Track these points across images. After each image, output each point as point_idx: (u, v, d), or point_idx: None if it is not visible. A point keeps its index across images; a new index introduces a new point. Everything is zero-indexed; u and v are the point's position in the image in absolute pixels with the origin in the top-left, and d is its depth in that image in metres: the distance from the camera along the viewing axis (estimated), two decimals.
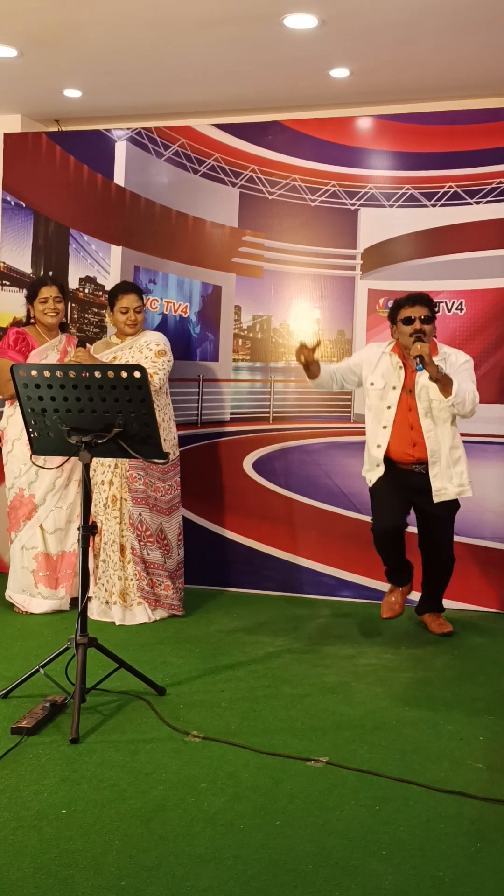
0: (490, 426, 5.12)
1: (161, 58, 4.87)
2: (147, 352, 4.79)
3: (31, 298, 5.00)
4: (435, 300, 5.16)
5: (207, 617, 4.87)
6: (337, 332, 5.38)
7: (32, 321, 5.03)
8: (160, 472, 4.78)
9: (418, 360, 4.05)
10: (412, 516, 4.52)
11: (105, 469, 4.76)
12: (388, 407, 4.39)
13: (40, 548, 4.91)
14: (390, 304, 5.09)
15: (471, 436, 5.14)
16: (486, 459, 5.14)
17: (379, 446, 4.40)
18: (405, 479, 4.40)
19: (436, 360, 4.22)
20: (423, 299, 4.36)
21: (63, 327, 5.09)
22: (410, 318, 4.30)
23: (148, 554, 4.76)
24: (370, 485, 4.48)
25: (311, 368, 4.32)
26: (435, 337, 4.44)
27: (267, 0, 4.13)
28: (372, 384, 4.45)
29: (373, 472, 4.45)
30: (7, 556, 5.08)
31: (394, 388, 4.40)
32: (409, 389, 4.38)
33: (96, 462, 4.76)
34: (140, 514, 4.75)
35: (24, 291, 5.14)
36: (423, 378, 4.26)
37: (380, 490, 4.44)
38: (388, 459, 4.40)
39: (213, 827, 2.55)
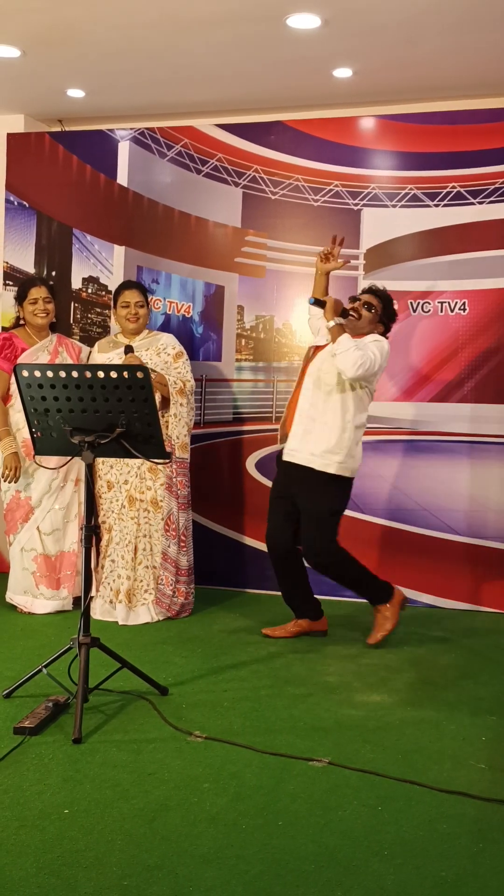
0: (491, 426, 5.12)
1: (164, 57, 4.87)
2: (165, 356, 4.82)
3: (20, 299, 4.99)
4: (437, 300, 5.19)
5: (210, 617, 4.87)
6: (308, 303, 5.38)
7: (22, 322, 5.03)
8: (182, 468, 4.80)
9: (316, 300, 4.28)
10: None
11: (122, 467, 4.76)
12: (304, 374, 4.41)
13: (39, 549, 4.92)
14: (393, 304, 5.11)
15: (471, 436, 5.15)
16: (487, 459, 5.14)
17: (283, 422, 4.47)
18: (285, 475, 4.38)
19: (354, 341, 4.21)
20: (381, 293, 4.45)
21: (53, 327, 5.08)
22: (357, 298, 4.45)
23: (184, 561, 4.82)
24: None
25: (325, 285, 4.49)
26: (377, 333, 4.38)
27: (270, 0, 4.13)
28: (315, 339, 4.54)
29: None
30: (8, 555, 5.08)
31: (308, 356, 4.45)
32: (311, 358, 4.41)
33: (117, 462, 4.75)
34: (186, 521, 4.80)
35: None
36: (319, 358, 4.31)
37: (270, 498, 4.52)
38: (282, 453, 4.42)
39: (215, 827, 2.55)
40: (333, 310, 4.25)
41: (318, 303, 4.30)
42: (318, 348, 4.41)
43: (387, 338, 4.42)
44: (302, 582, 4.50)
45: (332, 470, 4.24)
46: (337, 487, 4.31)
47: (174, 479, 4.77)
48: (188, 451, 4.85)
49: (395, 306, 4.53)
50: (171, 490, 4.77)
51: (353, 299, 4.44)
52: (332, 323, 4.21)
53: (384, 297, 4.43)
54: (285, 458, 4.34)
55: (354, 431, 4.28)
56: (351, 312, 4.32)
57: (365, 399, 4.34)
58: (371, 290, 4.46)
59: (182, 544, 4.80)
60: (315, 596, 4.55)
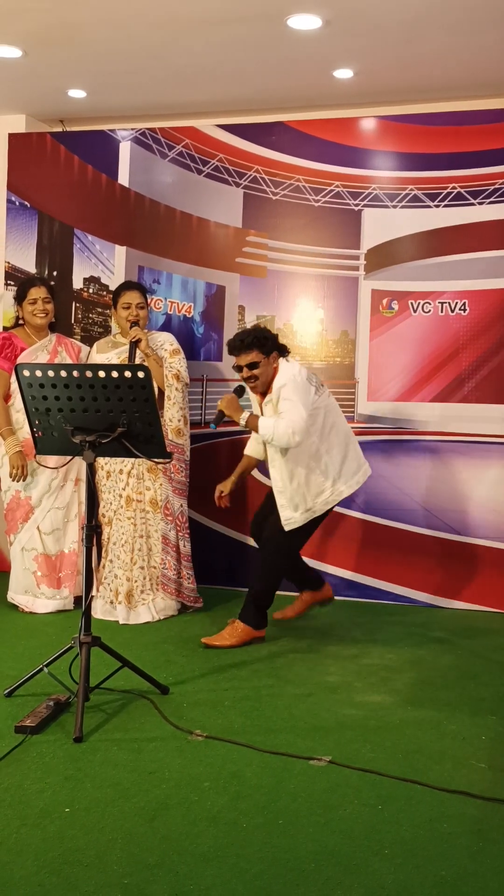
0: (492, 426, 5.12)
1: (165, 58, 4.88)
2: (162, 352, 4.83)
3: (19, 299, 5.00)
4: (438, 301, 5.19)
5: (211, 616, 4.87)
6: (340, 332, 5.38)
7: (21, 322, 5.03)
8: (178, 453, 4.83)
9: (216, 421, 4.23)
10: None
11: (119, 460, 4.77)
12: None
13: (39, 549, 4.92)
14: (394, 304, 5.11)
15: (473, 436, 5.16)
16: (487, 459, 5.14)
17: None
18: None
19: (270, 396, 4.14)
20: (244, 343, 4.16)
21: (53, 327, 5.09)
22: (239, 366, 4.22)
23: (184, 546, 4.83)
24: None
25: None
26: (276, 364, 4.23)
27: (271, 0, 4.14)
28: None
29: None
30: (9, 555, 5.08)
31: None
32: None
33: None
34: (181, 506, 4.81)
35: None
36: (267, 411, 4.21)
37: (268, 494, 4.54)
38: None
39: (215, 826, 2.55)
40: (235, 409, 4.15)
41: (220, 418, 4.20)
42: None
43: (287, 353, 4.29)
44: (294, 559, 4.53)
45: (319, 513, 4.26)
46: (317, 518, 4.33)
47: (167, 464, 4.77)
48: (182, 437, 4.84)
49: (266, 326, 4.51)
50: (166, 474, 4.78)
51: (238, 368, 4.23)
52: (242, 422, 4.13)
53: (255, 341, 4.15)
54: (287, 528, 4.25)
55: (312, 476, 4.20)
56: (245, 385, 4.24)
57: (321, 421, 4.21)
58: (237, 349, 4.19)
59: (179, 529, 4.81)
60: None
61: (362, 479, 4.37)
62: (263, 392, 4.22)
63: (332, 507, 4.34)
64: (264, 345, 4.16)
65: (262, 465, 5.47)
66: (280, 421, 4.03)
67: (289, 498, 4.22)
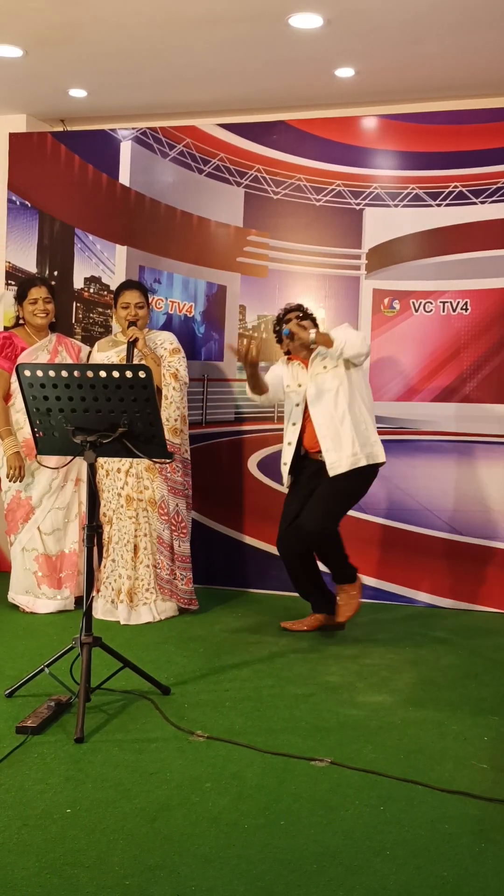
0: (494, 426, 5.12)
1: (166, 57, 4.87)
2: (161, 351, 4.83)
3: (20, 299, 4.99)
4: (439, 300, 5.19)
5: (212, 616, 4.87)
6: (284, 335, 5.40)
7: (22, 322, 5.03)
8: (180, 454, 4.82)
9: (286, 331, 4.35)
10: None
11: (117, 459, 4.77)
12: (297, 405, 4.49)
13: (40, 549, 4.92)
14: (395, 304, 5.11)
15: (474, 435, 5.15)
16: (489, 459, 5.14)
17: (290, 444, 4.51)
18: (310, 469, 4.45)
19: (316, 353, 4.39)
20: (294, 310, 4.58)
21: (53, 327, 5.08)
22: (288, 320, 4.51)
23: (179, 546, 4.80)
24: (286, 485, 4.59)
25: (256, 378, 4.48)
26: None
27: (272, 0, 4.13)
28: (288, 386, 4.56)
29: (284, 475, 4.56)
30: (9, 555, 5.08)
31: (299, 385, 4.49)
32: (299, 384, 4.50)
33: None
34: (177, 506, 4.79)
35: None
36: (311, 366, 4.40)
37: (288, 496, 4.60)
38: (301, 454, 4.51)
39: (217, 826, 2.55)
40: (302, 328, 4.30)
41: (290, 336, 4.36)
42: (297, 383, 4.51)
43: None
44: (317, 579, 4.57)
45: (380, 458, 4.40)
46: (367, 480, 4.44)
47: (164, 464, 4.75)
48: (180, 437, 4.82)
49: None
50: (162, 474, 4.77)
51: (278, 329, 4.60)
52: (313, 334, 4.26)
53: (301, 307, 4.62)
54: (332, 473, 4.33)
55: (371, 422, 4.42)
56: (302, 325, 4.38)
57: (365, 391, 4.46)
58: (289, 311, 4.58)
59: (174, 529, 4.79)
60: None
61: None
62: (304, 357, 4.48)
63: (373, 475, 4.42)
64: (307, 314, 4.61)
65: (266, 465, 5.48)
66: (347, 329, 4.33)
67: (333, 438, 4.32)
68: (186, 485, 4.88)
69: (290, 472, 4.53)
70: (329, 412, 4.34)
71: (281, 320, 4.61)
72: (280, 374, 4.61)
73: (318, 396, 4.37)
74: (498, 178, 5.08)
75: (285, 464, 4.52)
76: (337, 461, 4.31)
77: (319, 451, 4.37)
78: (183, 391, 4.85)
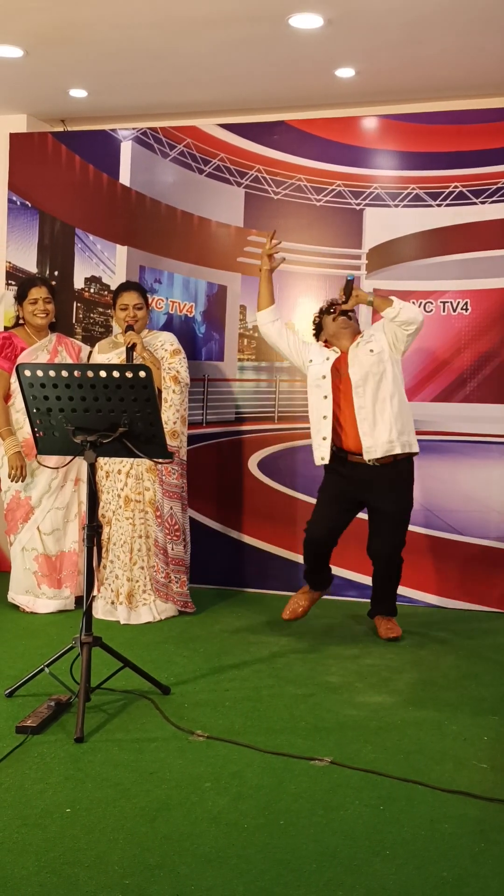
0: (495, 426, 5.12)
1: (167, 57, 4.88)
2: (162, 352, 4.82)
3: (20, 299, 4.99)
4: (440, 300, 5.19)
5: (212, 616, 4.87)
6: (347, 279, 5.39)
7: (22, 322, 5.03)
8: (177, 457, 4.82)
9: (344, 293, 4.33)
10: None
11: (117, 460, 4.77)
12: (325, 397, 4.45)
13: (39, 549, 4.92)
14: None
15: (475, 435, 5.15)
16: (490, 459, 5.14)
17: (325, 438, 4.45)
18: (353, 473, 4.42)
19: (361, 338, 4.43)
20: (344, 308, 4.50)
21: (53, 327, 5.08)
22: (336, 301, 4.53)
23: (172, 549, 4.79)
24: (324, 463, 4.53)
25: (268, 282, 4.57)
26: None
27: (273, 0, 4.13)
28: (311, 361, 4.54)
29: (319, 449, 4.49)
30: (9, 554, 5.08)
31: (323, 377, 4.45)
32: (340, 372, 4.44)
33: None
34: (171, 509, 4.78)
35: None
36: (351, 352, 4.40)
37: (323, 494, 4.57)
38: (338, 452, 4.45)
39: (216, 826, 2.55)
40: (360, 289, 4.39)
41: (348, 291, 4.35)
42: (337, 363, 4.45)
43: None
44: (327, 565, 4.64)
45: (415, 448, 4.41)
46: (411, 476, 4.47)
47: (161, 466, 4.75)
48: (178, 440, 4.81)
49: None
50: (158, 478, 4.77)
51: (329, 311, 4.57)
52: (370, 297, 4.34)
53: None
54: (367, 457, 4.33)
55: (408, 407, 4.45)
56: (349, 314, 4.48)
57: (399, 368, 4.45)
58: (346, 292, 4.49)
59: (168, 532, 4.79)
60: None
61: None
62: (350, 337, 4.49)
63: (411, 469, 4.46)
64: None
65: (266, 464, 5.48)
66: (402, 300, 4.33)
67: (371, 423, 4.33)
68: (183, 487, 4.87)
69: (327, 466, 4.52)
70: (372, 395, 4.35)
71: (323, 312, 4.59)
72: (308, 346, 4.59)
73: (363, 379, 4.35)
74: (498, 178, 5.08)
75: (323, 458, 4.46)
76: (373, 446, 4.31)
77: (359, 453, 4.36)
78: (184, 394, 4.85)
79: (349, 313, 4.48)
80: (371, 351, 4.37)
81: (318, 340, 4.63)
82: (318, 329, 4.63)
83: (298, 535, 5.36)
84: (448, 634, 4.61)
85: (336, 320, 4.47)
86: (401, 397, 4.40)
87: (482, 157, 5.11)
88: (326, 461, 4.44)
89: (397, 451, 4.33)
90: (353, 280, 4.36)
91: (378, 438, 4.32)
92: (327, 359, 4.48)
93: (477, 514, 5.15)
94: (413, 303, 5.16)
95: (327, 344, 4.57)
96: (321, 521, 4.51)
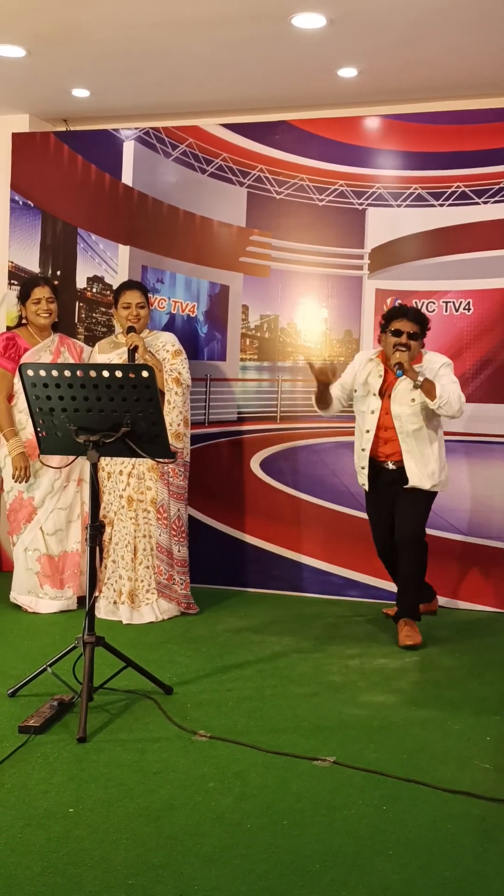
0: (495, 426, 5.12)
1: (169, 57, 4.88)
2: (164, 353, 4.82)
3: (23, 299, 4.99)
4: (442, 300, 5.19)
5: (215, 616, 4.87)
6: (344, 331, 5.38)
7: (24, 322, 5.03)
8: (182, 458, 4.83)
9: (398, 367, 4.23)
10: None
11: (119, 461, 4.77)
12: (372, 412, 4.45)
13: (42, 549, 4.92)
14: (398, 304, 5.11)
15: (477, 436, 5.15)
16: (492, 459, 5.14)
17: (363, 450, 4.49)
18: (381, 476, 4.49)
19: (418, 367, 4.33)
20: (415, 316, 4.39)
21: (56, 327, 5.08)
22: (399, 331, 4.34)
23: (179, 551, 4.80)
24: (364, 489, 4.60)
25: (326, 395, 4.47)
26: (423, 348, 4.47)
27: (275, 0, 4.14)
28: (356, 391, 4.54)
29: (360, 475, 4.57)
30: (12, 555, 5.08)
31: (374, 394, 4.45)
32: (387, 394, 4.43)
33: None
34: (178, 511, 4.79)
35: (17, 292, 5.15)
36: (402, 384, 4.37)
37: (371, 507, 4.62)
38: (370, 459, 4.51)
39: (220, 826, 2.55)
40: (413, 368, 4.26)
41: (401, 367, 4.24)
42: (385, 390, 4.44)
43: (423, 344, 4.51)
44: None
45: (438, 489, 4.48)
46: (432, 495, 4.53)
47: (166, 468, 4.76)
48: (182, 441, 4.81)
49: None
50: (162, 479, 4.77)
51: (397, 333, 4.33)
52: (421, 379, 4.22)
53: (420, 318, 4.40)
54: (411, 484, 4.41)
55: (441, 448, 4.50)
56: (400, 348, 4.31)
57: (434, 415, 4.42)
58: (407, 316, 4.38)
59: (174, 534, 4.80)
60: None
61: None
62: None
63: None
64: (425, 327, 4.43)
65: (269, 464, 5.48)
66: (453, 390, 4.27)
67: (417, 458, 4.40)
68: (186, 488, 4.88)
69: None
70: (413, 438, 4.38)
71: (389, 320, 4.40)
72: (353, 375, 4.54)
73: (408, 422, 4.37)
74: (500, 178, 5.08)
75: (363, 468, 4.52)
76: (419, 478, 4.40)
77: (397, 460, 4.42)
78: (186, 395, 4.85)
79: (400, 349, 4.32)
80: (413, 400, 4.34)
81: (382, 332, 4.46)
82: (385, 324, 4.45)
83: (301, 534, 5.38)
84: (451, 634, 4.61)
85: (394, 347, 4.33)
86: (440, 433, 4.47)
87: (484, 156, 5.11)
88: (366, 470, 4.51)
89: (437, 487, 4.45)
90: (400, 375, 4.26)
91: (424, 471, 4.41)
92: (378, 375, 4.44)
93: (480, 513, 5.15)
94: (416, 303, 5.16)
95: (382, 358, 4.47)
96: (380, 536, 4.60)
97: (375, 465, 4.50)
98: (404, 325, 4.34)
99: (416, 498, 4.44)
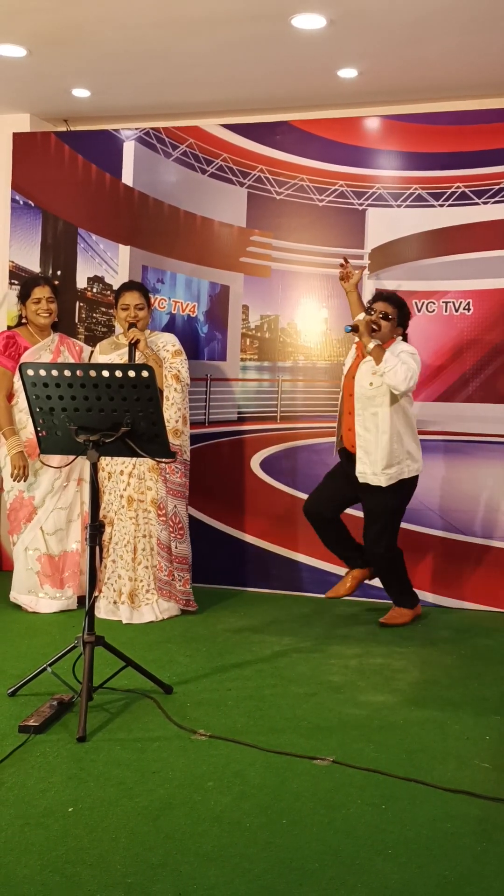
0: (496, 426, 5.12)
1: (170, 58, 4.88)
2: (164, 353, 4.82)
3: (23, 298, 4.99)
4: (442, 300, 5.19)
5: (214, 616, 4.87)
6: (344, 331, 5.37)
7: (24, 321, 5.03)
8: (180, 455, 4.83)
9: (348, 331, 4.40)
10: None
11: (119, 461, 4.77)
12: (348, 393, 4.58)
13: (42, 549, 4.92)
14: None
15: (477, 435, 5.15)
16: (492, 459, 5.14)
17: (339, 437, 4.68)
18: (352, 462, 4.57)
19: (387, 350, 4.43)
20: (393, 300, 4.56)
21: (56, 327, 5.09)
22: (372, 309, 4.55)
23: (176, 547, 4.80)
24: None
25: (354, 300, 4.83)
26: (404, 336, 4.61)
27: (275, 0, 4.14)
28: (344, 367, 4.74)
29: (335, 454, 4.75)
30: (12, 554, 5.08)
31: (346, 373, 4.62)
32: (353, 375, 4.55)
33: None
34: (175, 507, 4.79)
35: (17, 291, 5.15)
36: (364, 364, 4.47)
37: (328, 474, 4.77)
38: (344, 451, 4.64)
39: (219, 825, 2.55)
40: (367, 330, 4.40)
41: (354, 328, 4.41)
42: (351, 370, 4.58)
43: (406, 338, 4.63)
44: (345, 536, 4.75)
45: (392, 482, 4.48)
46: (398, 489, 4.52)
47: (165, 465, 4.76)
48: (180, 438, 4.81)
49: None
50: (161, 475, 4.77)
51: (368, 311, 4.58)
52: (371, 345, 4.36)
53: (397, 302, 4.57)
54: (360, 480, 4.51)
55: (406, 438, 4.50)
56: (372, 328, 4.46)
57: (406, 405, 4.51)
58: (383, 298, 4.58)
59: (172, 531, 4.80)
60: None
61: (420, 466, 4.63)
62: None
63: (404, 487, 4.54)
64: (403, 313, 4.58)
65: (269, 464, 5.48)
66: (403, 363, 4.34)
67: (367, 451, 4.45)
68: (185, 486, 4.88)
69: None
70: (367, 422, 4.45)
71: (371, 302, 4.62)
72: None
73: (363, 405, 4.46)
74: (500, 178, 5.08)
75: (339, 448, 4.71)
76: (362, 473, 4.50)
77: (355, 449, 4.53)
78: (184, 392, 4.86)
79: (367, 325, 4.45)
80: (370, 385, 4.43)
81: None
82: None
83: (301, 534, 5.37)
84: (450, 634, 4.61)
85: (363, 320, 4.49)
86: (398, 422, 4.45)
87: (484, 157, 5.11)
88: (337, 451, 4.69)
89: (383, 483, 4.46)
90: (350, 330, 4.42)
91: (370, 468, 4.47)
92: (351, 361, 4.63)
93: (480, 513, 5.15)
94: (416, 310, 5.16)
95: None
96: (315, 492, 4.73)
97: (347, 453, 4.62)
98: (378, 305, 4.53)
99: (378, 502, 4.51)
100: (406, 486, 4.55)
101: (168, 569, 4.78)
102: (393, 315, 4.52)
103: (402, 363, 4.32)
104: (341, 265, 4.92)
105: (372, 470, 4.46)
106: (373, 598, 5.19)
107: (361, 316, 4.60)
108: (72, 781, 2.82)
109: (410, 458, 4.52)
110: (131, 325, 4.77)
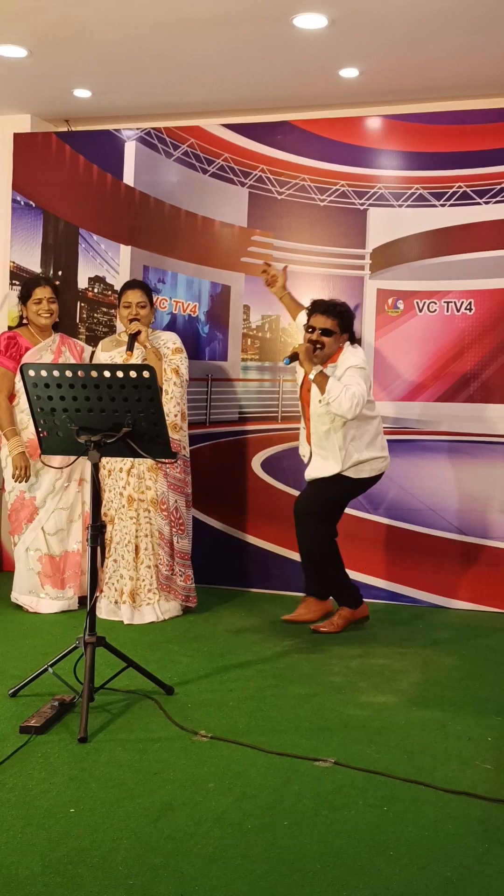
0: (498, 426, 5.12)
1: (171, 58, 4.88)
2: (165, 350, 4.83)
3: (24, 299, 4.99)
4: (443, 300, 5.18)
5: (215, 616, 4.87)
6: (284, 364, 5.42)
7: (25, 322, 5.03)
8: (180, 450, 4.83)
9: (287, 363, 4.30)
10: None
11: (119, 458, 4.77)
12: (305, 403, 4.56)
13: (43, 549, 4.92)
14: (399, 304, 5.11)
15: (478, 435, 5.15)
16: (493, 459, 5.14)
17: (303, 455, 4.68)
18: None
19: (331, 367, 4.32)
20: (331, 310, 4.36)
21: (56, 327, 5.08)
22: (312, 327, 4.38)
23: (178, 542, 4.80)
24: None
25: (288, 301, 4.74)
26: (353, 338, 4.50)
27: (277, 0, 4.13)
28: (296, 371, 4.66)
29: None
30: (13, 554, 5.08)
31: (299, 386, 4.61)
32: (308, 388, 4.49)
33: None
34: (176, 502, 4.79)
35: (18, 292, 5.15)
36: (313, 399, 4.43)
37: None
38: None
39: (220, 826, 2.55)
40: (309, 359, 4.24)
41: (293, 358, 4.28)
42: (305, 383, 4.52)
43: (357, 341, 4.53)
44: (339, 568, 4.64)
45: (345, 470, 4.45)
46: (344, 480, 4.47)
47: (168, 464, 4.76)
48: (179, 433, 4.81)
49: (353, 306, 4.64)
50: (162, 470, 4.77)
51: (309, 329, 4.39)
52: (313, 374, 4.23)
53: (336, 311, 4.37)
54: (307, 477, 4.56)
55: (364, 448, 4.43)
56: (316, 347, 4.32)
57: (365, 412, 4.37)
58: (321, 310, 4.37)
59: (174, 525, 4.79)
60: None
61: (383, 466, 4.54)
62: (320, 363, 4.33)
63: (352, 486, 4.48)
64: (345, 320, 4.37)
65: (270, 464, 5.48)
66: (348, 389, 4.16)
67: (319, 454, 4.45)
68: (186, 482, 4.88)
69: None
70: (322, 440, 4.43)
71: (309, 315, 4.43)
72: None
73: (315, 422, 4.43)
74: (502, 178, 5.08)
75: (303, 455, 4.69)
76: (310, 474, 4.52)
77: None
78: (183, 388, 4.85)
79: (316, 348, 4.33)
80: (319, 401, 4.31)
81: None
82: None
83: None
84: (451, 634, 4.61)
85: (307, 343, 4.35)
86: (350, 427, 4.34)
87: (486, 157, 5.11)
88: (305, 458, 4.65)
89: (328, 473, 4.42)
90: (289, 363, 4.31)
91: (320, 470, 4.46)
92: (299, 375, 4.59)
93: (481, 514, 5.15)
94: (418, 309, 5.16)
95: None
96: (302, 494, 4.66)
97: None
98: (317, 320, 4.34)
99: (312, 492, 4.51)
100: (347, 484, 4.46)
101: (170, 564, 4.78)
102: (334, 327, 4.33)
103: (346, 390, 4.15)
104: (263, 271, 4.81)
105: (332, 470, 4.41)
106: (373, 600, 5.19)
107: (301, 339, 4.40)
108: (73, 782, 2.82)
109: (369, 465, 4.45)
110: (133, 320, 4.77)
